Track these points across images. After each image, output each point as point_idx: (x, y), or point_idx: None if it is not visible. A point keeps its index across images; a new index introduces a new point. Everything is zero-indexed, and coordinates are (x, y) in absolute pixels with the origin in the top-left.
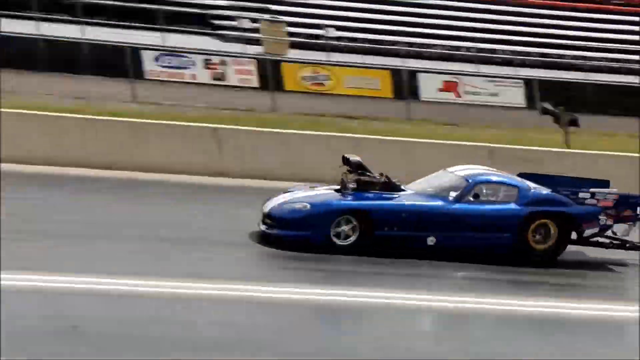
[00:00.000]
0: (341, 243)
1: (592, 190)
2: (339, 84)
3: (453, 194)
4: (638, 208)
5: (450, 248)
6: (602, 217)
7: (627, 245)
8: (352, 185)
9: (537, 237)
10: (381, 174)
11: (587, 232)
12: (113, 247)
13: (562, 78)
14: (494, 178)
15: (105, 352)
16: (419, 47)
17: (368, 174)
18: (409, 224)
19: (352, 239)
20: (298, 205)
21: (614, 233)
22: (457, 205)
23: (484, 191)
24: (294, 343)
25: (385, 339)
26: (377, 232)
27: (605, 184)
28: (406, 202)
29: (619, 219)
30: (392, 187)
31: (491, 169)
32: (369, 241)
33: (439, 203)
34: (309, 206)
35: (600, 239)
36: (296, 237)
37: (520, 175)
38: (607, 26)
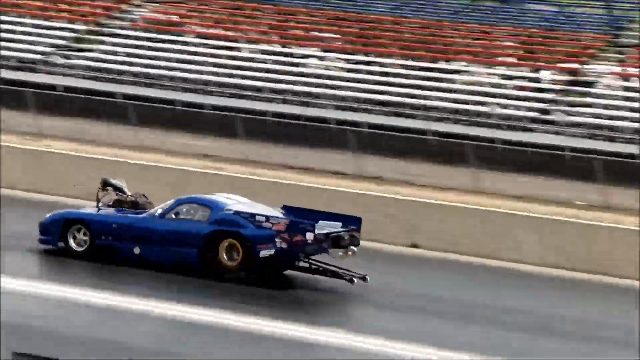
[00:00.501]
0: (77, 249)
1: (266, 214)
2: None
3: (159, 211)
4: (307, 234)
5: (150, 259)
6: (277, 240)
7: (345, 276)
8: (106, 202)
9: (227, 255)
10: (140, 195)
11: (264, 253)
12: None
13: None
14: (198, 199)
15: None
16: None
17: (123, 194)
18: (119, 235)
19: (86, 246)
20: (47, 215)
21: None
22: (156, 221)
23: (184, 210)
24: None
25: None
26: (97, 242)
27: (356, 220)
28: (117, 215)
29: (291, 243)
30: (139, 206)
31: (246, 199)
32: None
33: (143, 218)
34: (48, 216)
35: (314, 265)
36: (44, 241)
37: (284, 207)
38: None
